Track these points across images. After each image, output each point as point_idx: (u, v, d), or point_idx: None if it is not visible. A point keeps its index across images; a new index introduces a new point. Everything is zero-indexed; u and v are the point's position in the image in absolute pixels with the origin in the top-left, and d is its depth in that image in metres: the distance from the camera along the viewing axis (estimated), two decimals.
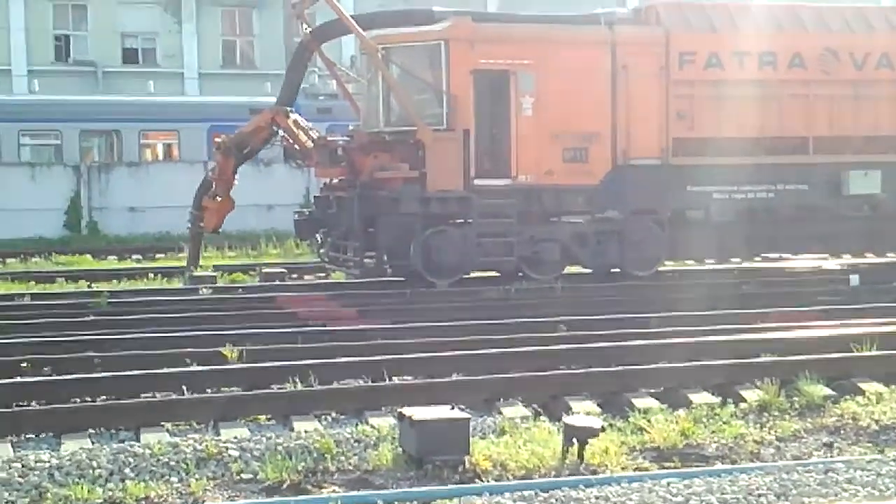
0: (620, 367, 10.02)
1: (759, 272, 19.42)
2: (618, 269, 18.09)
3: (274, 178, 29.13)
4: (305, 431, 8.04)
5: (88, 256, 24.76)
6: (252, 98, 29.45)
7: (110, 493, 6.88)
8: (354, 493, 6.82)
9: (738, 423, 8.55)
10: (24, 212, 27.97)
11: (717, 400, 9.18)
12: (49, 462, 7.24)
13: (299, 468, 7.30)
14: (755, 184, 18.38)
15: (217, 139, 19.02)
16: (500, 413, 8.79)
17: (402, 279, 17.57)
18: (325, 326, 13.15)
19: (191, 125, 31.37)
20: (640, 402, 9.09)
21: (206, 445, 7.57)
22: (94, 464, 7.24)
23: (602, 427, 7.62)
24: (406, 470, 7.27)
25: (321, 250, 19.04)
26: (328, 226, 18.27)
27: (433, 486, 6.87)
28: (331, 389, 9.38)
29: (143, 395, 9.33)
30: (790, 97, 18.47)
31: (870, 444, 8.09)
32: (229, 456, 7.49)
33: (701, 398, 9.23)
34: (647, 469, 7.38)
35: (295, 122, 18.21)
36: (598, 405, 9.11)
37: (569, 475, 7.08)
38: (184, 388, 9.38)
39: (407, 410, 7.49)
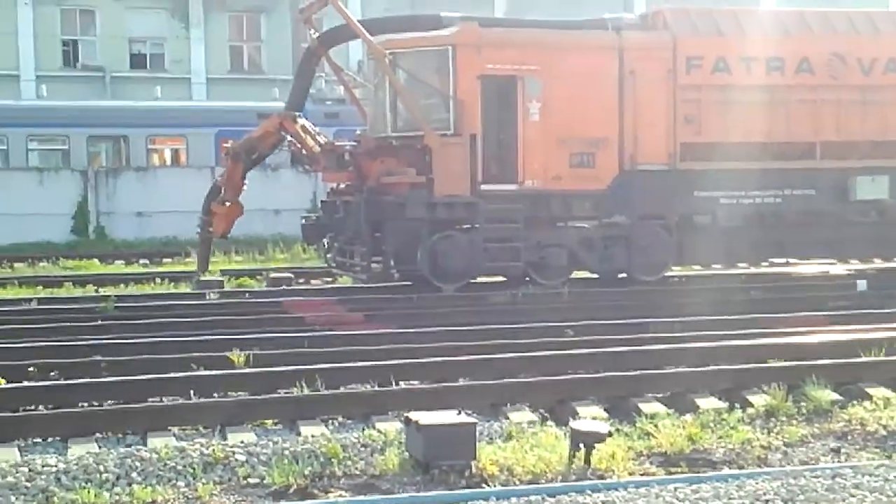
0: (627, 372, 10.00)
1: (766, 277, 19.40)
2: (625, 275, 18.09)
3: (281, 182, 29.15)
4: (312, 436, 8.04)
5: (96, 261, 24.83)
6: (259, 103, 29.49)
7: (117, 498, 6.88)
8: (361, 497, 6.81)
9: (746, 428, 8.53)
10: (31, 216, 28.07)
11: (724, 405, 9.17)
12: (56, 466, 7.25)
13: (306, 473, 7.29)
14: (763, 189, 18.36)
15: (226, 144, 19.06)
16: (507, 418, 8.78)
17: (408, 284, 17.57)
18: (331, 331, 13.15)
19: (198, 130, 31.46)
20: (647, 407, 9.07)
21: (213, 450, 7.57)
22: (101, 468, 7.24)
23: (609, 432, 7.62)
24: (413, 475, 7.27)
25: (328, 255, 19.05)
26: (335, 230, 18.28)
27: (440, 491, 6.88)
28: (337, 394, 9.36)
29: (150, 399, 9.32)
30: (797, 102, 18.44)
31: (878, 450, 8.07)
32: (236, 460, 7.49)
33: (708, 403, 9.22)
34: (654, 474, 7.36)
35: (303, 127, 18.24)
36: (605, 410, 9.10)
37: (575, 480, 7.07)
38: (191, 392, 9.41)
39: (414, 415, 7.49)
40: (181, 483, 7.16)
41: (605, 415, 8.94)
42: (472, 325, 13.13)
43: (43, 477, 7.08)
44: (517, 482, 7.12)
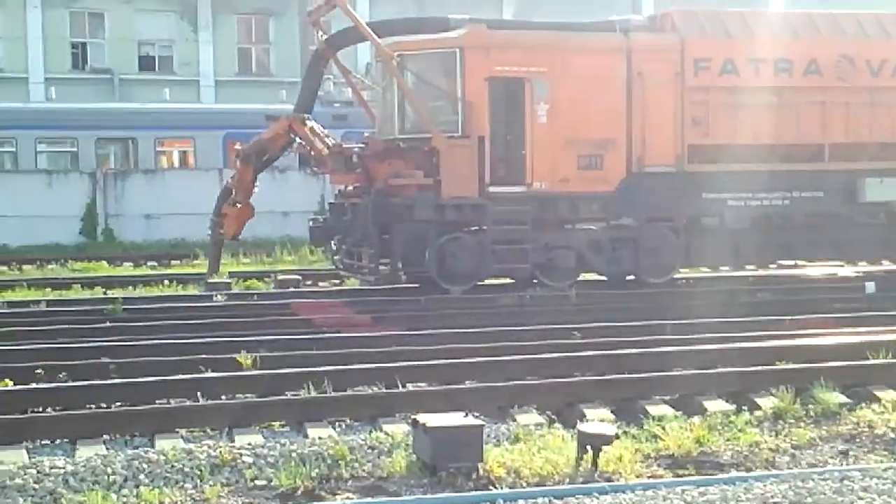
0: (635, 375, 9.99)
1: (774, 279, 19.37)
2: (633, 277, 18.07)
3: (289, 184, 29.16)
4: (319, 438, 8.05)
5: (104, 263, 24.87)
6: (268, 105, 29.50)
7: (125, 499, 6.89)
8: (368, 499, 6.82)
9: (753, 430, 8.52)
10: (40, 219, 28.13)
11: (731, 407, 9.15)
12: (64, 468, 7.26)
13: (313, 475, 7.30)
14: (770, 191, 18.33)
15: (236, 147, 19.10)
16: (515, 420, 8.78)
17: (416, 286, 17.58)
18: (339, 333, 13.16)
19: (206, 132, 31.49)
20: (654, 410, 9.06)
21: (221, 452, 7.58)
22: (109, 470, 7.26)
23: (616, 434, 7.62)
24: (420, 477, 7.27)
25: (336, 257, 19.07)
26: (343, 233, 18.29)
27: (447, 494, 6.88)
28: (345, 396, 9.37)
29: (157, 401, 9.32)
30: (806, 104, 18.43)
31: (886, 453, 8.05)
32: (243, 462, 7.50)
33: (716, 405, 9.20)
34: (661, 477, 7.36)
35: (311, 129, 18.27)
36: (613, 412, 9.09)
37: (583, 482, 7.06)
38: (198, 394, 9.41)
39: (421, 417, 7.49)
40: (188, 485, 7.17)
41: (613, 417, 8.93)
42: (480, 328, 13.13)
43: (51, 479, 7.10)
44: (524, 484, 7.11)
